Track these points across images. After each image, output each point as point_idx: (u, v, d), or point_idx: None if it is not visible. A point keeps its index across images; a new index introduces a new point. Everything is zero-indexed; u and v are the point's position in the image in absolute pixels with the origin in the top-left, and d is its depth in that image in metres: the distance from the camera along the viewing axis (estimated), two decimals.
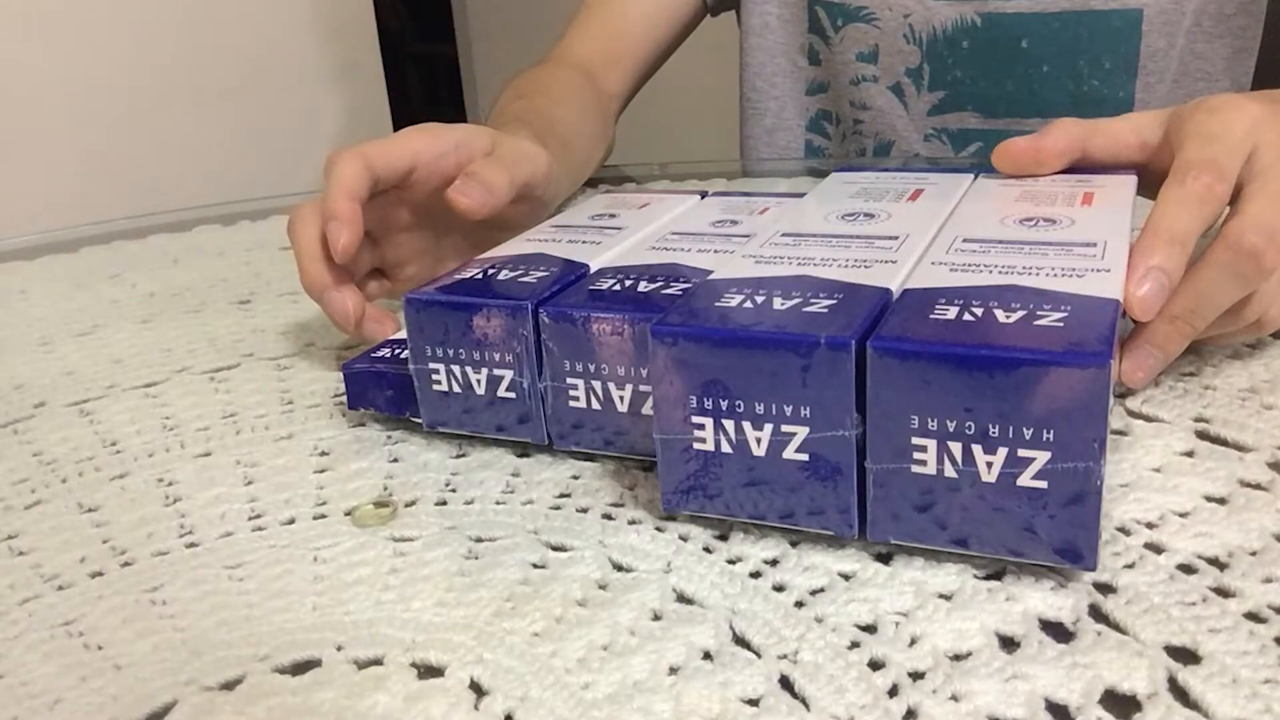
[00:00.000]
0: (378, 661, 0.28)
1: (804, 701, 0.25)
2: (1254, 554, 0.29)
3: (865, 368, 0.28)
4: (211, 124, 1.36)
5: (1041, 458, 0.27)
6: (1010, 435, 0.27)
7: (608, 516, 0.34)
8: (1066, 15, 0.73)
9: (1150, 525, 0.31)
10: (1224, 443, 0.35)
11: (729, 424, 0.30)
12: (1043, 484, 0.28)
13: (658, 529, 0.33)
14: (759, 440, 0.30)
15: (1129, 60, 0.73)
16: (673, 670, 0.26)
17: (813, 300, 0.31)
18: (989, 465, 0.28)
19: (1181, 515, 0.31)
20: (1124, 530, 0.31)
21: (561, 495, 0.35)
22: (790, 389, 0.29)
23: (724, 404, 0.30)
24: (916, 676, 0.26)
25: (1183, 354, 0.41)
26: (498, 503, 0.35)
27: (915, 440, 0.28)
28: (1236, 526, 0.30)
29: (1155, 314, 0.35)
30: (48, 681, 0.28)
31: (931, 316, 0.29)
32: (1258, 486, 0.32)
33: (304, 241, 0.47)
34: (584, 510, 0.34)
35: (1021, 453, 0.27)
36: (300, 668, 0.28)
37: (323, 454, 0.40)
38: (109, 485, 0.39)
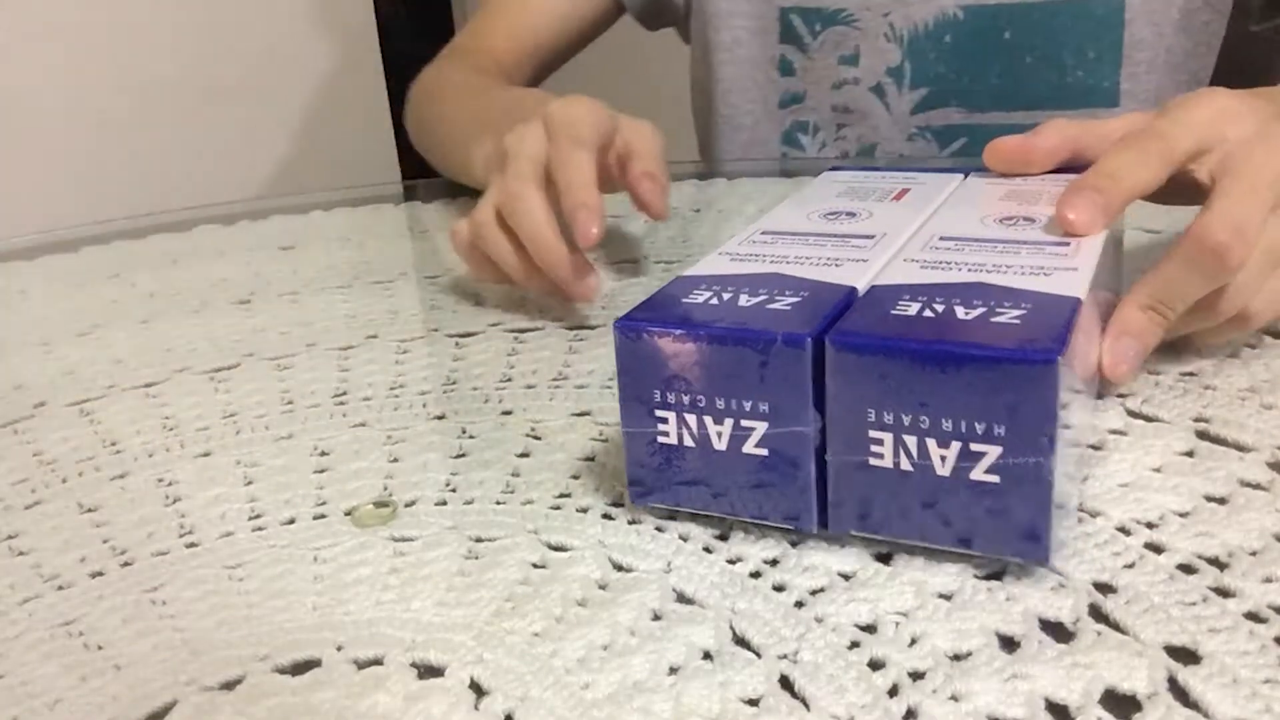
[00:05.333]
0: (378, 661, 0.28)
1: (804, 701, 0.25)
2: (1254, 554, 0.29)
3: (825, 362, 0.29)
4: (211, 124, 1.36)
5: (993, 452, 0.28)
6: (963, 430, 0.28)
7: (608, 516, 0.34)
8: (1049, 5, 0.73)
9: (1150, 525, 0.31)
10: (1224, 443, 0.35)
11: (691, 418, 0.31)
12: (995, 479, 0.28)
13: (658, 529, 0.33)
14: (720, 434, 0.31)
15: (1113, 50, 0.73)
16: (673, 670, 0.26)
17: (777, 298, 0.32)
18: (943, 459, 0.28)
19: (1181, 515, 0.31)
20: (1124, 530, 0.31)
21: (561, 495, 0.35)
22: (749, 385, 0.30)
23: (686, 399, 0.31)
24: (916, 676, 0.26)
25: (1183, 354, 0.41)
26: (498, 503, 0.35)
27: (872, 434, 0.29)
28: (1236, 526, 0.30)
29: (1085, 222, 0.35)
30: (48, 681, 0.28)
31: (892, 313, 0.30)
32: (1258, 486, 0.32)
33: (539, 225, 0.48)
34: (584, 510, 0.34)
35: (974, 447, 0.28)
36: (300, 668, 0.28)
37: (323, 454, 0.40)
38: (109, 485, 0.39)
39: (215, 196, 0.92)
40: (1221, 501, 0.32)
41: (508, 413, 0.42)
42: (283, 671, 0.28)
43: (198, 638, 0.29)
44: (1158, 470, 0.34)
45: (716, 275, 0.34)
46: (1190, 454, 0.35)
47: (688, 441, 0.31)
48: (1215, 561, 0.29)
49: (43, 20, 1.22)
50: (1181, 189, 0.39)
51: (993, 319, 0.29)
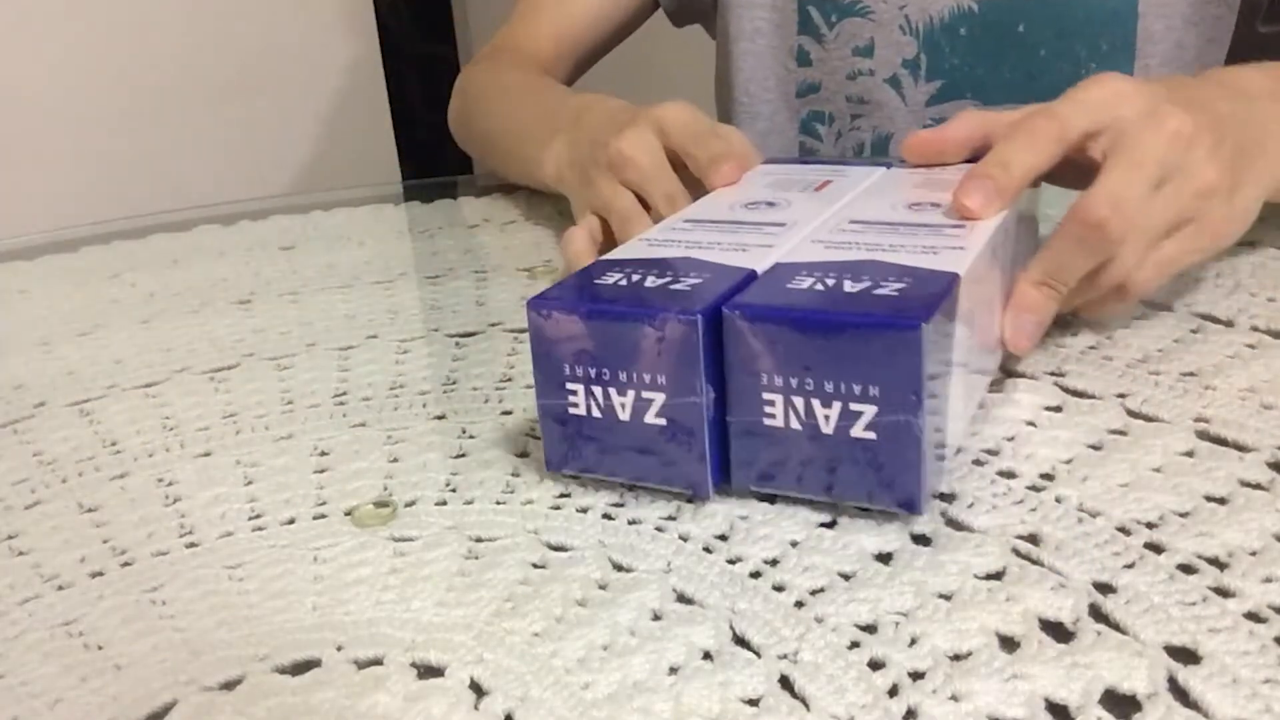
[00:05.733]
0: (378, 661, 0.28)
1: (804, 701, 0.25)
2: (1254, 554, 0.29)
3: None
4: (211, 124, 1.36)
5: (869, 411, 0.31)
6: (843, 391, 0.31)
7: (608, 516, 0.34)
8: None
9: (1150, 525, 0.31)
10: (1224, 443, 0.35)
11: (598, 390, 0.33)
12: (872, 435, 0.31)
13: (658, 529, 0.33)
14: (624, 406, 0.33)
15: (1126, 43, 0.73)
16: (673, 670, 0.26)
17: (681, 279, 0.34)
18: (826, 418, 0.31)
19: (1181, 515, 0.31)
20: (1124, 530, 0.31)
21: (561, 495, 0.35)
22: (648, 359, 0.32)
23: (593, 372, 0.33)
24: (916, 676, 0.26)
25: (1182, 354, 0.41)
26: (498, 503, 0.35)
27: (765, 395, 0.32)
28: (1236, 526, 0.30)
29: (979, 207, 0.38)
30: (48, 681, 0.28)
31: (787, 286, 0.33)
32: (1258, 486, 0.32)
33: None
34: (584, 510, 0.34)
35: (853, 407, 0.31)
36: (300, 668, 0.28)
37: (323, 454, 0.40)
38: (109, 485, 0.39)
39: (215, 196, 0.92)
40: (1221, 501, 0.32)
41: (508, 413, 0.42)
42: (283, 671, 0.28)
43: (198, 638, 0.29)
44: (1158, 470, 0.34)
45: (631, 259, 0.37)
46: (1190, 454, 0.35)
47: (595, 413, 0.34)
48: (1215, 561, 0.29)
49: (43, 20, 1.22)
50: (1082, 171, 0.40)
51: (875, 291, 0.32)
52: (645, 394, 0.33)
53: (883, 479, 0.31)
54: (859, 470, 0.31)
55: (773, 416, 0.32)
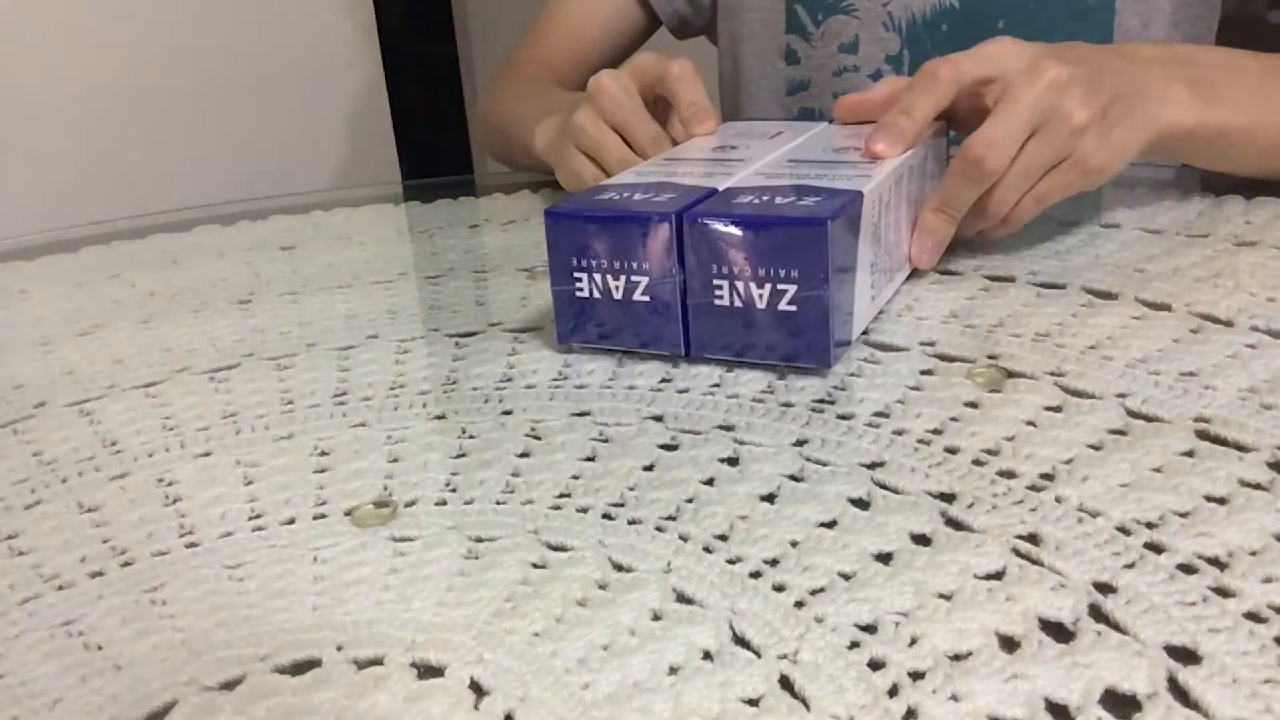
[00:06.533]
0: (378, 661, 0.28)
1: (804, 701, 0.25)
2: (1254, 554, 0.29)
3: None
4: (211, 124, 1.36)
5: (791, 290, 0.40)
6: (771, 274, 0.40)
7: (608, 516, 0.34)
8: None
9: (1150, 525, 0.31)
10: (1224, 443, 0.35)
11: (598, 277, 0.43)
12: (793, 308, 0.40)
13: (658, 529, 0.33)
14: (617, 288, 0.43)
15: (1102, 39, 0.74)
16: (673, 670, 0.26)
17: (661, 194, 0.44)
18: (761, 296, 0.41)
19: (1181, 515, 0.31)
20: (1124, 530, 0.31)
21: (561, 495, 0.35)
22: (635, 251, 0.42)
23: (594, 262, 0.43)
24: (916, 676, 0.26)
25: (1182, 354, 0.41)
26: (498, 503, 0.35)
27: (715, 281, 0.41)
28: (1236, 526, 0.30)
29: (885, 148, 0.47)
30: (48, 681, 0.28)
31: (733, 201, 0.42)
32: (1258, 486, 0.32)
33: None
34: (584, 510, 0.34)
35: (779, 287, 0.40)
36: (300, 668, 0.28)
37: (323, 454, 0.40)
38: (109, 485, 0.39)
39: (215, 196, 0.92)
40: (1221, 501, 0.32)
41: (508, 413, 0.42)
42: (283, 671, 0.28)
43: (198, 638, 0.29)
44: (1158, 470, 0.34)
45: (624, 183, 0.47)
46: (1190, 454, 0.35)
47: (595, 294, 0.43)
48: (1215, 561, 0.29)
49: (43, 21, 1.22)
50: (981, 118, 0.47)
51: (798, 203, 0.41)
52: (633, 278, 0.42)
53: (801, 341, 0.41)
54: (784, 335, 0.41)
55: (721, 297, 0.41)
